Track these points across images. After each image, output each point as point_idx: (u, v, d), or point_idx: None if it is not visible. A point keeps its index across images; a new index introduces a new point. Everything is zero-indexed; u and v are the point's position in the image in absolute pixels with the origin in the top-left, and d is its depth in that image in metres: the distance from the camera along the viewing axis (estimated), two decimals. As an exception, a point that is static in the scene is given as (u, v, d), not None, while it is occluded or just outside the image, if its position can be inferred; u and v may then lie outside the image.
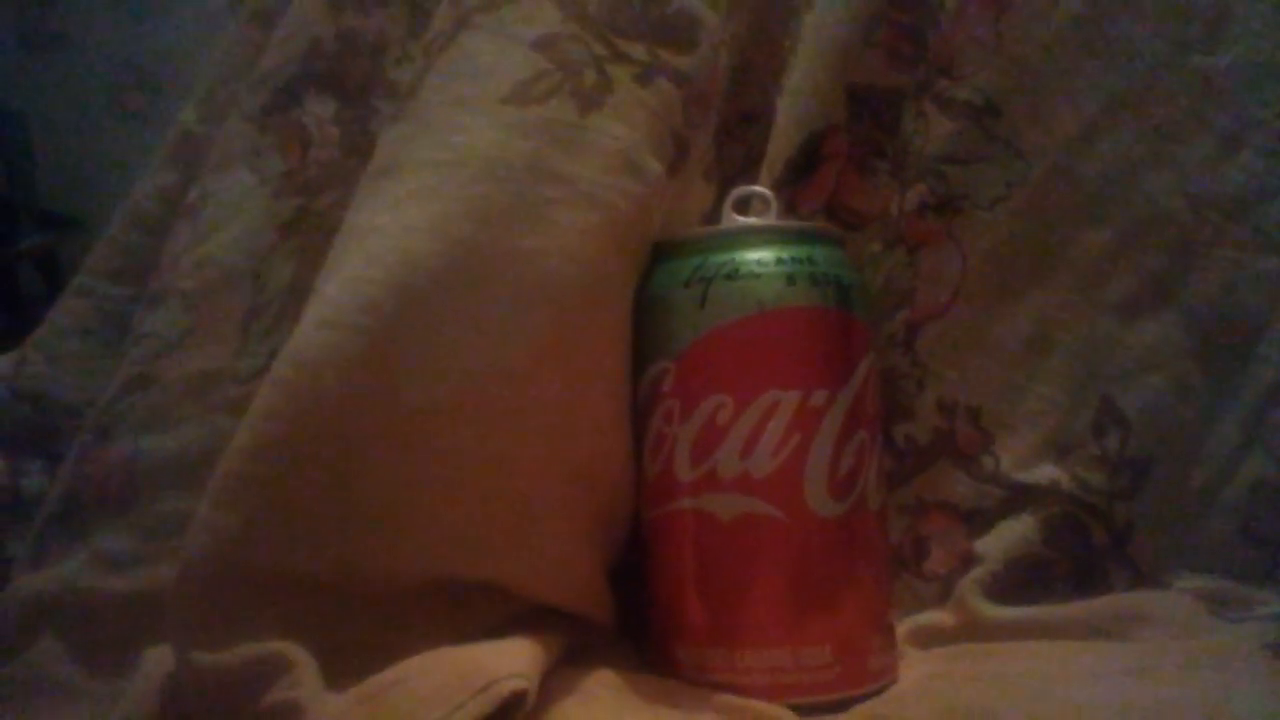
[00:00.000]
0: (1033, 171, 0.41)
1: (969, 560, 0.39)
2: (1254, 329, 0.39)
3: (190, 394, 0.41)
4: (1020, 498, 0.39)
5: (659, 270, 0.35)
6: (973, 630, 0.37)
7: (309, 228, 0.42)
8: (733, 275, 0.33)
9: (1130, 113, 0.41)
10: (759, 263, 0.33)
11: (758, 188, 0.38)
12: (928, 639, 0.38)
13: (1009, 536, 0.39)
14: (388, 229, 0.32)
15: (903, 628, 0.38)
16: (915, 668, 0.35)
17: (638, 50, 0.35)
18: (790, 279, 0.33)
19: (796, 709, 0.31)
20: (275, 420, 0.30)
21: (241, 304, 0.42)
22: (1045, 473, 0.39)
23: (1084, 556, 0.38)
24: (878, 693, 0.33)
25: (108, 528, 0.41)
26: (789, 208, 0.42)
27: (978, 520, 0.40)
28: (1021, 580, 0.38)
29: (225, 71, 0.49)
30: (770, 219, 0.37)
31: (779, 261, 0.33)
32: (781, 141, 0.42)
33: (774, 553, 0.33)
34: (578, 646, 0.33)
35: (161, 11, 1.53)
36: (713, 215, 0.41)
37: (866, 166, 0.42)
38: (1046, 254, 0.41)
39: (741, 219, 0.37)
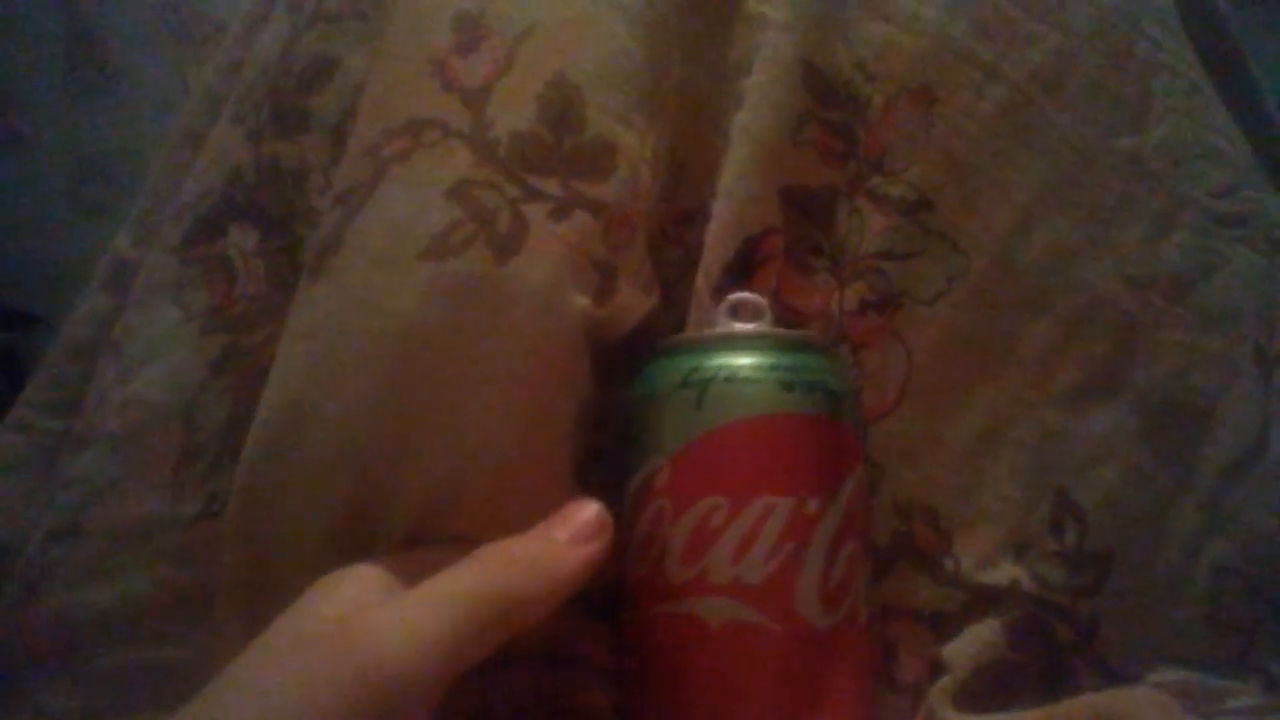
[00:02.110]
0: (972, 264, 0.41)
1: (937, 667, 0.39)
2: (1205, 411, 0.39)
3: (125, 544, 0.40)
4: (983, 600, 0.39)
5: (652, 370, 0.36)
6: None
7: (240, 366, 0.41)
8: (731, 379, 0.34)
9: (1063, 199, 0.40)
10: (756, 368, 0.34)
11: (752, 294, 0.39)
12: None
13: (974, 642, 0.38)
14: (325, 410, 0.34)
15: None
16: None
17: (552, 186, 0.35)
18: (787, 386, 0.34)
19: None
20: None
21: (172, 446, 0.41)
22: (1005, 572, 0.39)
23: (1051, 657, 0.38)
24: None
25: (49, 686, 0.40)
26: (729, 312, 0.42)
27: (942, 624, 0.39)
28: (990, 686, 0.37)
29: (158, 194, 0.48)
30: (765, 325, 0.37)
31: (775, 368, 0.34)
32: (717, 248, 0.41)
33: (764, 662, 0.32)
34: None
35: (120, 105, 1.52)
36: (660, 324, 0.41)
37: (805, 265, 0.42)
38: (992, 347, 0.40)
39: (738, 325, 0.37)
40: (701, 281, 0.41)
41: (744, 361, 0.34)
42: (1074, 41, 0.42)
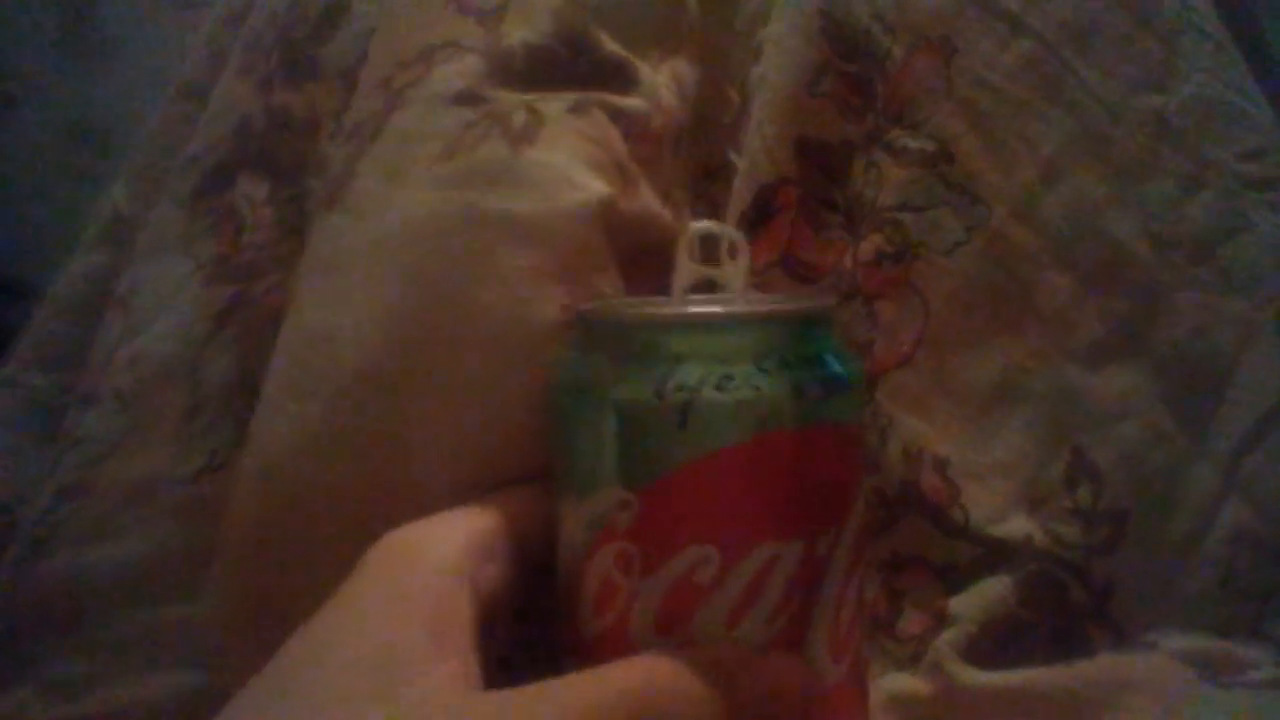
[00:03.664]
0: (992, 216, 0.40)
1: (943, 619, 0.38)
2: (1224, 373, 0.38)
3: (130, 501, 0.39)
4: (994, 554, 0.38)
5: (619, 366, 0.27)
6: (951, 700, 0.36)
7: (246, 316, 0.40)
8: (725, 386, 0.25)
9: (1089, 154, 0.40)
10: (759, 369, 0.26)
11: (725, 227, 0.33)
12: (905, 711, 0.36)
13: (984, 596, 0.37)
14: (343, 332, 0.32)
15: (878, 693, 0.37)
16: None
17: (569, 97, 0.34)
18: (798, 391, 0.26)
19: None
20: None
21: (178, 401, 0.40)
22: (1018, 526, 0.38)
23: (1063, 617, 0.37)
24: None
25: (55, 652, 0.39)
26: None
27: (952, 576, 0.39)
28: (999, 643, 0.37)
29: (155, 149, 0.47)
30: (739, 267, 0.31)
31: (784, 366, 0.26)
32: (735, 199, 0.41)
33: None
34: None
35: (111, 72, 1.51)
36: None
37: (819, 220, 0.41)
38: (1011, 300, 0.40)
39: (714, 299, 0.30)
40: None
41: (744, 358, 0.26)
42: None
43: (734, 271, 0.31)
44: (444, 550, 0.27)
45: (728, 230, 0.32)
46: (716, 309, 0.28)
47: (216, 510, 0.37)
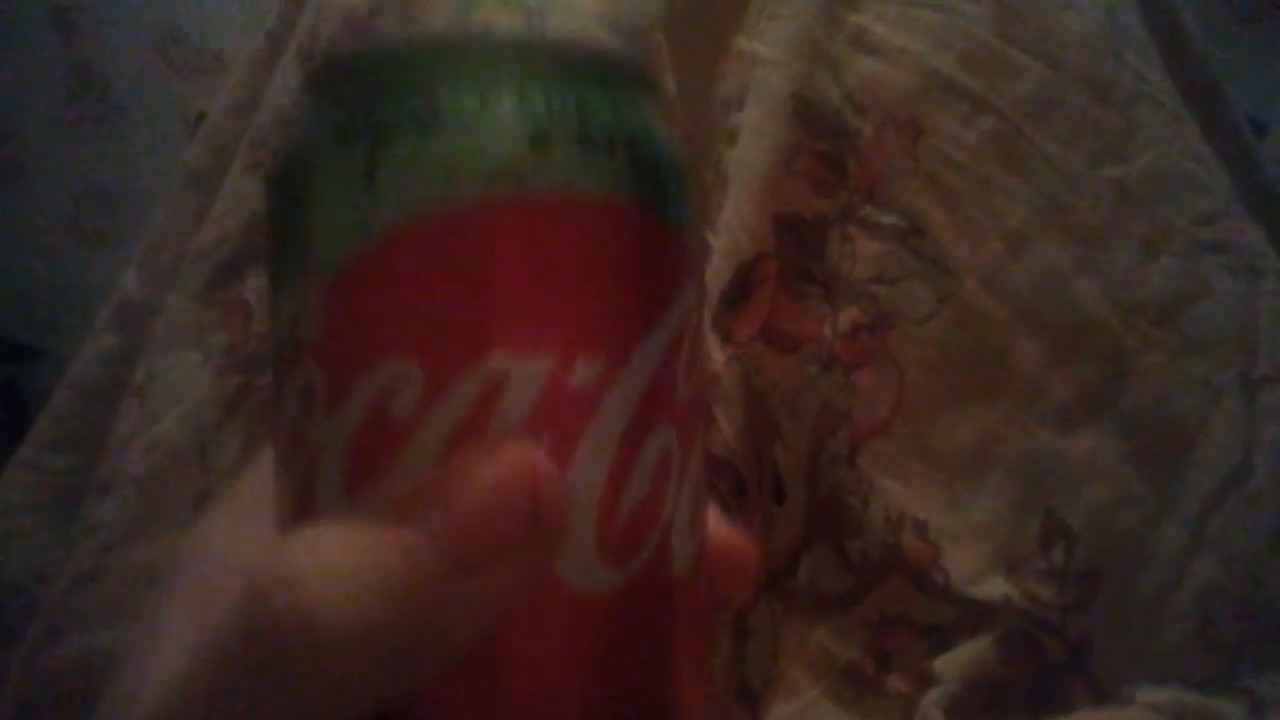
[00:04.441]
0: (962, 286, 0.42)
1: (928, 679, 0.39)
2: (1189, 434, 0.40)
3: (140, 584, 0.41)
4: (974, 615, 0.39)
5: (321, 113, 0.19)
6: None
7: (254, 403, 0.42)
8: (429, 125, 0.17)
9: (1053, 223, 0.42)
10: (483, 104, 0.18)
11: None
12: None
13: (966, 656, 0.39)
14: None
15: None
16: None
17: None
18: (541, 138, 0.18)
19: None
20: None
21: (189, 487, 0.42)
22: (996, 587, 0.39)
23: (1042, 674, 0.38)
24: None
25: None
26: (725, 336, 0.42)
27: (936, 636, 0.40)
28: (981, 701, 0.38)
29: (164, 235, 0.49)
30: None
31: (522, 105, 0.18)
32: (715, 277, 0.42)
33: (508, 659, 0.18)
34: None
35: (119, 135, 1.54)
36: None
37: (797, 291, 0.43)
38: (983, 367, 0.41)
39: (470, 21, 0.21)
40: (705, 317, 0.42)
41: (460, 92, 0.18)
42: (1059, 74, 0.43)
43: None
44: None
45: None
46: (422, 33, 0.21)
47: None
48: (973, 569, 0.40)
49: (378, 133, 0.17)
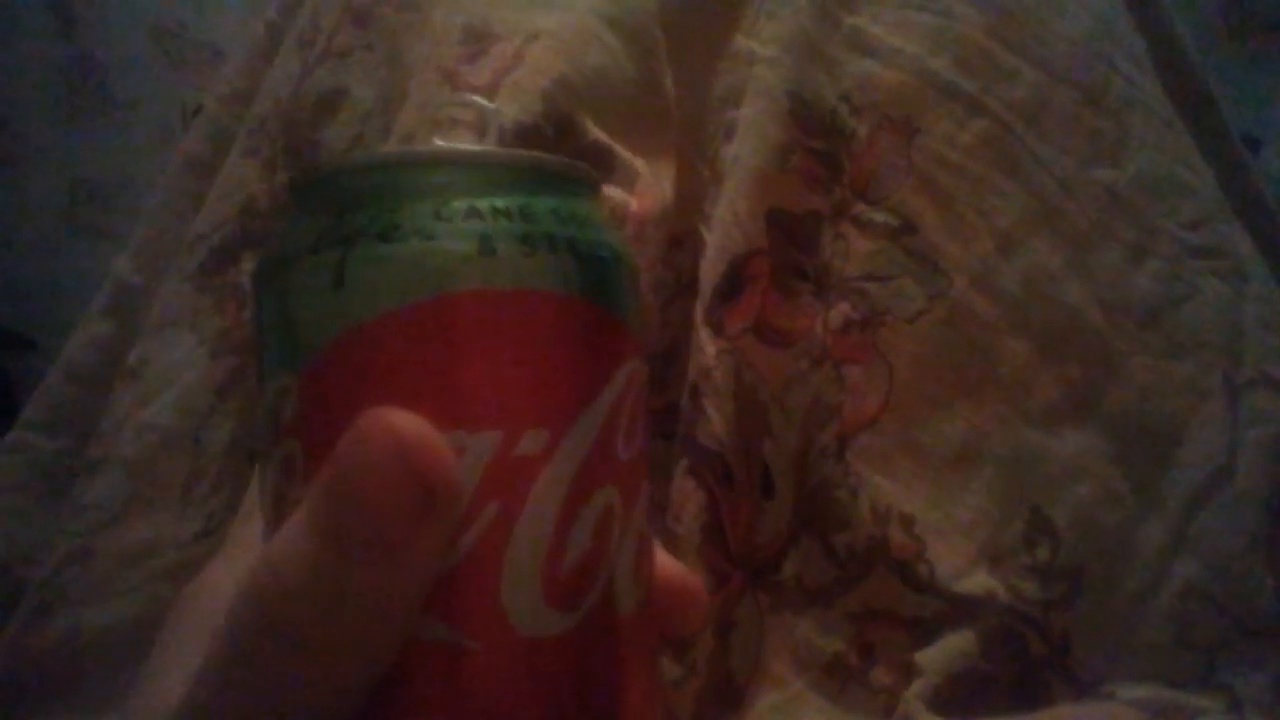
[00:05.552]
0: (953, 285, 0.42)
1: (911, 672, 0.40)
2: (1173, 435, 0.40)
3: (130, 565, 0.41)
4: (958, 609, 0.40)
5: (297, 223, 0.22)
6: None
7: (246, 387, 0.42)
8: (389, 235, 0.20)
9: (1044, 226, 0.42)
10: (437, 214, 0.20)
11: (475, 97, 0.26)
12: None
13: (949, 650, 0.39)
14: None
15: None
16: None
17: None
18: (486, 242, 0.20)
19: None
20: None
21: (181, 470, 0.42)
22: (980, 582, 0.40)
23: (1024, 669, 0.39)
24: None
25: (53, 713, 0.40)
26: (717, 330, 0.43)
27: (919, 630, 0.40)
28: (964, 695, 0.38)
29: (160, 221, 0.49)
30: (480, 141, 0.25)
31: (471, 214, 0.21)
32: (709, 271, 0.43)
33: (458, 703, 0.19)
34: None
35: (111, 127, 1.54)
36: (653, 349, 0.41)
37: (789, 288, 0.43)
38: (971, 365, 0.42)
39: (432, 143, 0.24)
40: (698, 305, 0.43)
41: (417, 204, 0.21)
42: (1052, 78, 0.43)
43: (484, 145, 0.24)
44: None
45: (476, 101, 0.26)
46: (384, 152, 0.24)
47: None
48: (958, 564, 0.40)
49: (346, 242, 0.20)
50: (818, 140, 0.44)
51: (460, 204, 0.21)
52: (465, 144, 0.25)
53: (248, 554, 0.21)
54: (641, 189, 0.41)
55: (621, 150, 0.40)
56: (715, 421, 0.41)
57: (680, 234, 0.45)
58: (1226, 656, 0.39)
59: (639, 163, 0.42)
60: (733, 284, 0.43)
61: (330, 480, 0.18)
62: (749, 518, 0.42)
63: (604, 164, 0.40)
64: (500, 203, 0.21)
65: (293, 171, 0.28)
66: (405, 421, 0.18)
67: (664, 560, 0.24)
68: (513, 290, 0.21)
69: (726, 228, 0.43)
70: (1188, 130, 0.46)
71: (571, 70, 0.40)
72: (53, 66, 1.51)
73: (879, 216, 0.43)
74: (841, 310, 0.43)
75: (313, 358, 0.20)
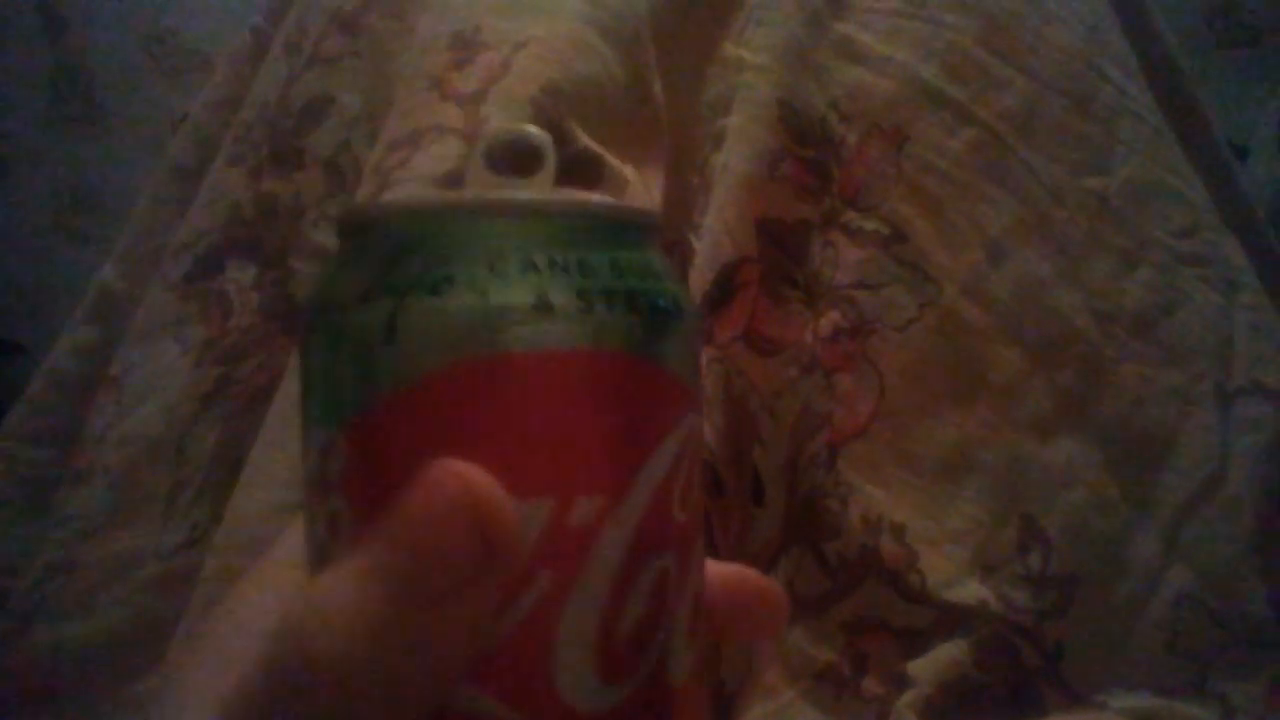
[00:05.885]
0: (943, 293, 0.42)
1: (902, 682, 0.39)
2: (1165, 442, 0.40)
3: (112, 576, 0.41)
4: (950, 618, 0.39)
5: (346, 271, 0.21)
6: None
7: (231, 396, 0.42)
8: (440, 288, 0.19)
9: (1034, 234, 0.42)
10: (492, 269, 0.19)
11: (529, 127, 0.24)
12: None
13: (941, 660, 0.39)
14: None
15: None
16: None
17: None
18: (542, 299, 0.19)
19: None
20: None
21: (164, 479, 0.42)
22: (972, 591, 0.40)
23: (1017, 679, 0.39)
24: None
25: None
26: (707, 339, 0.43)
27: (911, 639, 0.40)
28: (955, 704, 0.38)
29: (145, 228, 0.49)
30: (544, 176, 0.23)
31: (527, 268, 0.19)
32: (698, 279, 0.43)
33: None
34: None
35: (102, 137, 1.53)
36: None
37: (779, 295, 0.43)
38: (962, 373, 0.42)
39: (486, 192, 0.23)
40: None
41: (471, 256, 0.19)
42: (1042, 86, 0.43)
43: (539, 183, 0.24)
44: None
45: (532, 132, 0.24)
46: (437, 197, 0.22)
47: (191, 583, 0.38)
48: (949, 573, 0.40)
49: (396, 295, 0.19)
50: (807, 148, 0.43)
51: (515, 257, 0.19)
52: (516, 189, 0.21)
53: (278, 596, 0.21)
54: (630, 197, 0.41)
55: (610, 158, 0.40)
56: (705, 430, 0.41)
57: (669, 243, 0.45)
58: (1219, 664, 0.39)
59: (628, 170, 0.41)
60: (722, 292, 0.43)
61: (396, 524, 0.18)
62: (739, 526, 0.42)
63: (593, 172, 0.39)
64: (557, 256, 0.20)
65: (336, 210, 0.27)
66: (475, 474, 0.18)
67: (734, 570, 0.24)
68: (569, 350, 0.19)
69: (716, 235, 0.43)
70: (1176, 139, 0.46)
71: (561, 77, 0.40)
72: (41, 73, 1.51)
73: (869, 224, 0.43)
74: (831, 319, 0.43)
75: (361, 413, 0.19)
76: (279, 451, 0.38)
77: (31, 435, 0.48)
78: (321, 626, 0.17)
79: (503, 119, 0.38)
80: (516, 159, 0.23)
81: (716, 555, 0.41)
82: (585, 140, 0.40)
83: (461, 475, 0.18)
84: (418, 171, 0.37)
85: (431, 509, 0.18)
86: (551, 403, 0.19)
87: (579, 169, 0.39)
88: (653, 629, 0.20)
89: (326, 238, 0.41)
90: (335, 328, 0.20)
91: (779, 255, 0.43)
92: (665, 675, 0.20)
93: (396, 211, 0.21)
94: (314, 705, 0.17)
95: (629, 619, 0.20)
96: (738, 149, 0.43)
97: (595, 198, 0.23)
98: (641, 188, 0.42)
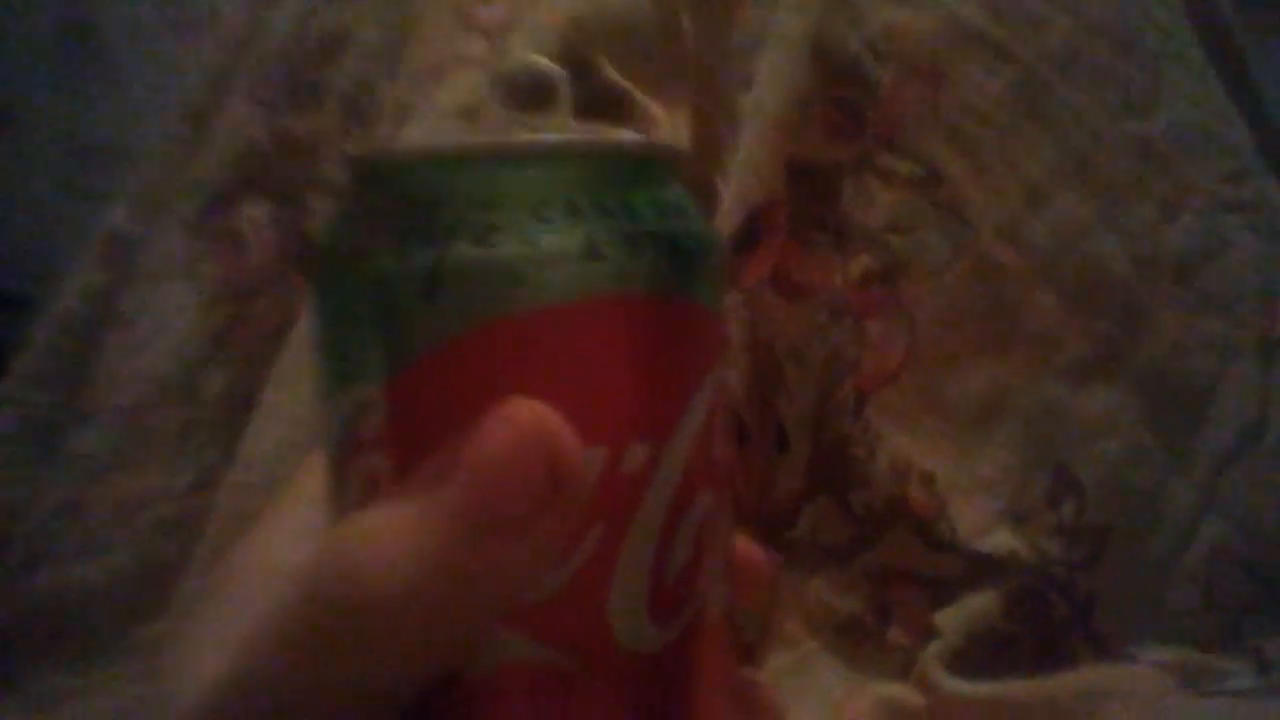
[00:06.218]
0: (979, 237, 0.41)
1: (929, 632, 0.39)
2: (1204, 392, 0.39)
3: (120, 517, 0.40)
4: (980, 569, 0.39)
5: (375, 222, 0.19)
6: (938, 710, 0.36)
7: (244, 335, 0.41)
8: (484, 239, 0.18)
9: (1073, 178, 0.41)
10: (537, 217, 0.18)
11: (542, 61, 0.24)
12: (895, 718, 0.37)
13: (969, 611, 0.38)
14: None
15: (872, 698, 0.37)
16: None
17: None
18: (592, 247, 0.18)
19: None
20: None
21: (175, 419, 0.41)
22: (1003, 541, 0.39)
23: (1047, 630, 0.38)
24: None
25: (38, 668, 0.40)
26: (732, 282, 0.42)
27: (940, 589, 0.39)
28: (984, 655, 0.38)
29: (155, 170, 0.48)
30: (560, 111, 0.24)
31: (573, 213, 0.19)
32: (725, 222, 0.42)
33: (563, 708, 0.19)
34: None
35: (112, 92, 1.52)
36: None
37: (808, 239, 0.42)
38: (996, 319, 0.41)
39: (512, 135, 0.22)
40: None
41: (516, 204, 0.19)
42: (1085, 27, 0.42)
43: (555, 118, 0.23)
44: None
45: (546, 66, 0.24)
46: (476, 142, 0.22)
47: (202, 525, 0.38)
48: (980, 522, 0.39)
49: (437, 244, 0.18)
50: (840, 89, 0.42)
51: (560, 202, 0.19)
52: (544, 127, 0.20)
53: (301, 537, 0.21)
54: (658, 135, 0.40)
55: (639, 95, 0.39)
56: (729, 376, 0.40)
57: (695, 186, 0.44)
58: (1254, 618, 0.38)
59: (656, 108, 0.40)
60: (750, 234, 0.42)
61: (467, 455, 0.17)
62: (762, 474, 0.41)
63: (621, 109, 0.38)
64: (601, 199, 0.19)
65: (354, 151, 0.25)
66: (548, 411, 0.18)
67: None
68: (619, 296, 0.19)
69: (744, 177, 0.42)
70: (1221, 82, 0.44)
71: (589, 11, 0.38)
72: (50, 29, 1.49)
73: (904, 167, 0.41)
74: (862, 262, 0.42)
75: (403, 370, 0.19)
76: (292, 390, 0.37)
77: (38, 378, 0.47)
78: (376, 557, 0.17)
79: (526, 52, 0.37)
80: (531, 93, 0.23)
81: (739, 505, 0.40)
82: (613, 76, 0.38)
83: (535, 410, 0.18)
84: (439, 104, 0.36)
85: (505, 442, 0.17)
86: (604, 350, 0.19)
87: (606, 105, 0.38)
88: (697, 568, 0.20)
89: (345, 175, 0.40)
90: (364, 279, 0.19)
91: (809, 197, 0.42)
92: (705, 611, 0.20)
93: (427, 156, 0.20)
94: (358, 637, 0.17)
95: (678, 560, 0.20)
96: (769, 89, 0.42)
97: (629, 135, 0.23)
98: (669, 126, 0.41)
